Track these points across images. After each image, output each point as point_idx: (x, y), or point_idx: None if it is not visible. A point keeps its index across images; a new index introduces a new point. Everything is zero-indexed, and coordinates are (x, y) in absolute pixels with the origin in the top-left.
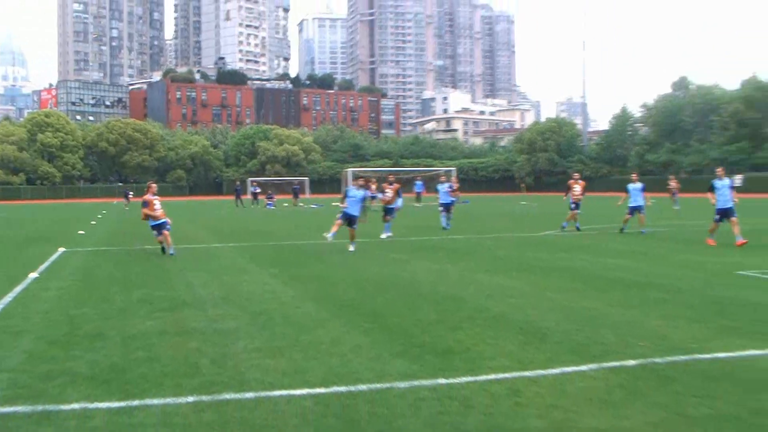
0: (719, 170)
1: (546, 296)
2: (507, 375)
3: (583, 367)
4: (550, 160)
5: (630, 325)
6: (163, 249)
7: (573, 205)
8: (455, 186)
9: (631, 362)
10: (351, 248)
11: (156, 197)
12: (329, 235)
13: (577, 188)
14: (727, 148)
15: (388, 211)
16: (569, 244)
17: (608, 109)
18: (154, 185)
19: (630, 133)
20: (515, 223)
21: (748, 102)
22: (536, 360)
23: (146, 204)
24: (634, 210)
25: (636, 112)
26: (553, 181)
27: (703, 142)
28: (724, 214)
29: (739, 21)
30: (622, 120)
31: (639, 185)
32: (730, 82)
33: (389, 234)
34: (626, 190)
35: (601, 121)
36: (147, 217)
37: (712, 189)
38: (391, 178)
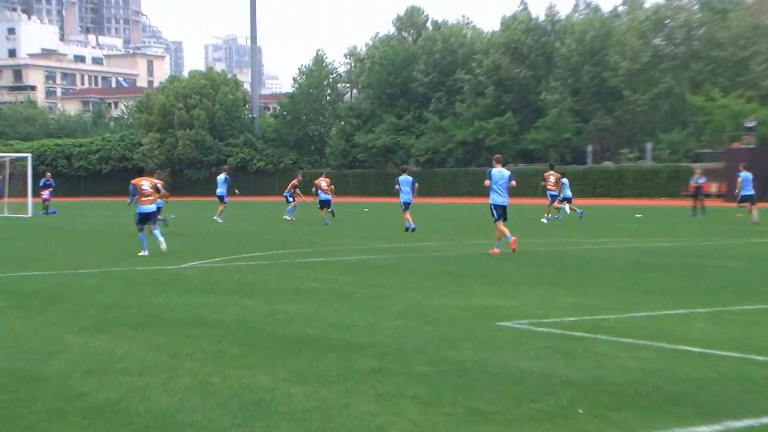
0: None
1: (185, 368)
2: None
3: None
4: (197, 141)
5: None
6: None
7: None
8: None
9: None
10: None
11: None
12: None
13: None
14: None
15: None
16: (216, 281)
17: (293, 58)
18: None
19: (330, 98)
20: (132, 248)
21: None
22: None
23: None
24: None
25: (339, 64)
26: (200, 176)
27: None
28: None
29: None
30: (318, 76)
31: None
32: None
33: None
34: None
35: (283, 78)
36: None
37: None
38: None
